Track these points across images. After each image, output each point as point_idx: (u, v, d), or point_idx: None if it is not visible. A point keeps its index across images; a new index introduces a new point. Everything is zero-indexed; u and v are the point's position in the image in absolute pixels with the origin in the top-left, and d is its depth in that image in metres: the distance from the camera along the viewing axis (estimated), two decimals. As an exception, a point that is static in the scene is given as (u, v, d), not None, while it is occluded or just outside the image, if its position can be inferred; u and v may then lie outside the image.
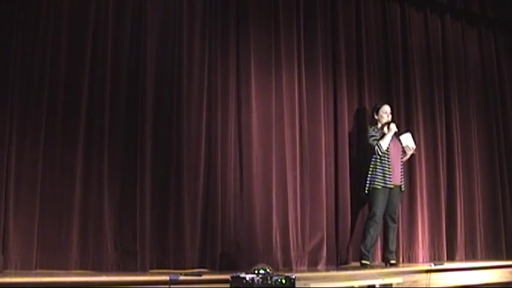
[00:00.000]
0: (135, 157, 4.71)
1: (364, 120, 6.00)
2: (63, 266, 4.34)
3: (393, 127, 5.51)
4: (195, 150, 4.99)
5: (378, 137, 5.49)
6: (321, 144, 5.63)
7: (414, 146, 5.66)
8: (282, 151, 5.35)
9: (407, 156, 5.72)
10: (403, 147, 5.63)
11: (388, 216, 5.49)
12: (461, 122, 6.82)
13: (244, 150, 5.19)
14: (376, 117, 5.64)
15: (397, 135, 5.60)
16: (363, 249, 5.32)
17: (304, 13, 5.79)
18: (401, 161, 5.64)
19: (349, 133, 5.88)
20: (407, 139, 5.62)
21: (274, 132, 5.34)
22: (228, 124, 5.17)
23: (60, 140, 4.51)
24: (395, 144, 5.57)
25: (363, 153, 5.76)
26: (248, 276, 3.61)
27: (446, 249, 6.32)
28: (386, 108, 5.64)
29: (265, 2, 5.57)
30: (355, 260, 5.55)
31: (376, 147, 5.41)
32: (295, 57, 5.63)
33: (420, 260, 6.02)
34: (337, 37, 5.97)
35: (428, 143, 6.46)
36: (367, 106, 6.04)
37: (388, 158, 5.43)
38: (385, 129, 5.55)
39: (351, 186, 5.73)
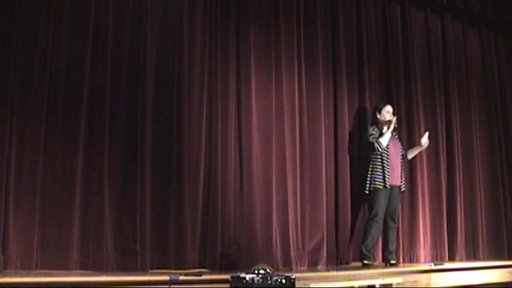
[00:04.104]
0: (136, 157, 4.71)
1: (365, 120, 6.00)
2: (63, 266, 4.33)
3: (393, 120, 5.49)
4: (195, 150, 5.00)
5: (377, 135, 5.49)
6: (321, 144, 5.63)
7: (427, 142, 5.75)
8: (282, 151, 5.36)
9: (416, 153, 5.75)
10: (402, 149, 5.64)
11: (389, 217, 5.49)
12: (462, 122, 6.83)
13: (244, 150, 5.19)
14: (378, 116, 5.63)
15: (396, 132, 5.60)
16: (364, 250, 5.32)
17: (304, 13, 5.79)
18: (402, 161, 5.64)
19: (349, 133, 5.88)
20: (425, 138, 5.71)
21: (274, 132, 5.34)
22: (228, 124, 5.17)
23: (61, 140, 4.51)
24: (395, 144, 5.58)
25: (364, 153, 5.77)
26: (248, 276, 3.60)
27: (447, 249, 6.33)
28: (388, 108, 5.65)
29: (266, 2, 5.57)
30: (355, 260, 5.56)
31: (376, 144, 5.42)
32: (295, 57, 5.63)
33: (422, 260, 6.02)
34: (337, 37, 5.98)
35: (429, 142, 6.45)
36: (367, 106, 6.04)
37: (388, 157, 5.43)
38: (385, 128, 5.55)
39: (351, 186, 5.74)
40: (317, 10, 5.88)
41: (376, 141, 5.43)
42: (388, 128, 5.50)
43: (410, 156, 5.84)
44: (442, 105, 6.70)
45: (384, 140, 5.44)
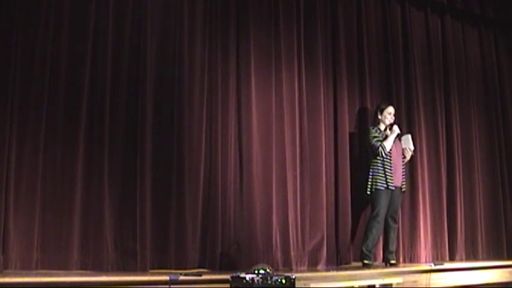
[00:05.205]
0: (136, 157, 4.71)
1: (365, 120, 6.00)
2: (64, 266, 4.33)
3: (396, 129, 5.51)
4: (195, 150, 5.00)
5: (381, 138, 5.48)
6: (321, 144, 5.63)
7: (413, 148, 5.67)
8: (282, 151, 5.35)
9: (408, 158, 5.72)
10: (403, 149, 5.64)
11: (389, 217, 5.48)
12: (462, 122, 6.83)
13: (244, 150, 5.19)
14: (379, 117, 5.62)
15: (399, 136, 5.60)
16: (365, 250, 5.32)
17: (304, 13, 5.79)
18: (403, 162, 5.64)
19: (350, 133, 5.88)
20: (407, 141, 5.62)
21: (274, 132, 5.34)
22: (228, 124, 5.17)
23: (61, 140, 4.51)
24: (397, 145, 5.57)
25: (364, 153, 5.77)
26: (248, 276, 3.60)
27: (448, 249, 6.33)
28: (390, 109, 5.64)
29: (266, 3, 5.57)
30: (355, 260, 5.56)
31: (380, 149, 5.40)
32: (295, 57, 5.63)
33: (422, 260, 6.03)
34: (337, 37, 5.98)
35: (429, 142, 6.47)
36: (367, 106, 6.05)
37: (390, 160, 5.42)
38: (388, 131, 5.56)
39: (351, 186, 5.74)
40: (317, 10, 5.87)
41: (381, 146, 5.41)
42: (392, 132, 5.50)
43: (404, 162, 5.80)
44: (442, 105, 6.70)
45: (388, 145, 5.43)
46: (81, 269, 4.40)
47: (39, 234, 4.32)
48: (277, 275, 3.68)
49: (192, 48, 5.12)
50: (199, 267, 4.78)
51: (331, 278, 4.56)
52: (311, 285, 4.21)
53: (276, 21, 5.57)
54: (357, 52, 6.14)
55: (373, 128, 5.58)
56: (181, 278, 3.88)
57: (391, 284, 4.70)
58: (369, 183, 5.44)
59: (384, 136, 5.51)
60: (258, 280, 3.58)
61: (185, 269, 4.61)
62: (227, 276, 3.75)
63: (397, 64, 6.40)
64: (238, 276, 3.65)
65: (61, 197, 4.45)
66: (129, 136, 4.76)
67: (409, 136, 5.68)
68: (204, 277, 4.06)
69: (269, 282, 3.59)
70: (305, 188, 5.50)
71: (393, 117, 5.64)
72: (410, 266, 5.54)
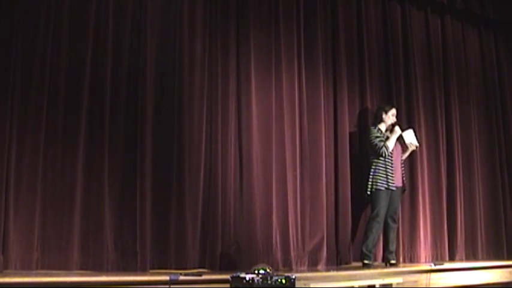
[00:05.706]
0: (136, 157, 4.71)
1: (365, 120, 6.00)
2: (64, 266, 4.33)
3: (398, 130, 5.52)
4: (195, 150, 5.00)
5: (383, 139, 5.48)
6: (321, 144, 5.63)
7: (417, 143, 5.67)
8: (282, 151, 5.36)
9: (407, 154, 5.72)
10: (403, 146, 5.64)
11: (389, 217, 5.49)
12: (462, 122, 6.84)
13: (244, 151, 5.19)
14: (383, 117, 5.62)
15: (400, 136, 5.60)
16: (365, 250, 5.32)
17: (304, 13, 5.79)
18: (402, 161, 5.64)
19: (350, 133, 5.88)
20: (410, 136, 5.62)
21: (274, 132, 5.34)
22: (228, 124, 5.17)
23: (61, 140, 4.51)
24: (397, 146, 5.58)
25: (364, 153, 5.76)
26: (248, 276, 3.61)
27: (447, 249, 6.34)
28: (394, 111, 5.67)
29: (266, 3, 5.57)
30: (355, 260, 5.56)
31: (384, 149, 5.40)
32: (295, 57, 5.63)
33: (422, 260, 6.03)
34: (337, 37, 5.98)
35: (429, 142, 6.48)
36: (368, 106, 6.04)
37: (391, 160, 5.43)
38: (388, 131, 5.56)
39: (351, 186, 5.74)
40: (317, 11, 5.87)
41: (384, 146, 5.41)
42: (394, 133, 5.50)
43: (403, 158, 5.79)
44: (442, 105, 6.70)
45: (390, 145, 5.44)
46: (81, 269, 4.40)
47: (39, 234, 4.32)
48: (277, 275, 3.69)
49: (192, 48, 5.12)
50: (199, 267, 4.78)
51: (331, 278, 4.57)
52: (311, 285, 4.21)
53: (276, 21, 5.57)
54: (357, 52, 6.14)
55: (375, 128, 5.59)
56: (181, 278, 3.88)
57: (391, 284, 4.70)
58: (369, 183, 5.44)
59: (386, 137, 5.52)
60: (258, 280, 3.59)
61: (185, 269, 4.61)
62: (227, 276, 3.76)
63: (397, 64, 6.40)
64: (238, 276, 3.65)
65: (61, 197, 4.45)
66: (129, 136, 4.76)
67: (411, 131, 5.67)
68: (204, 277, 4.07)
69: (269, 282, 3.59)
70: (305, 188, 5.50)
71: (395, 118, 5.65)
72: (410, 266, 5.54)
